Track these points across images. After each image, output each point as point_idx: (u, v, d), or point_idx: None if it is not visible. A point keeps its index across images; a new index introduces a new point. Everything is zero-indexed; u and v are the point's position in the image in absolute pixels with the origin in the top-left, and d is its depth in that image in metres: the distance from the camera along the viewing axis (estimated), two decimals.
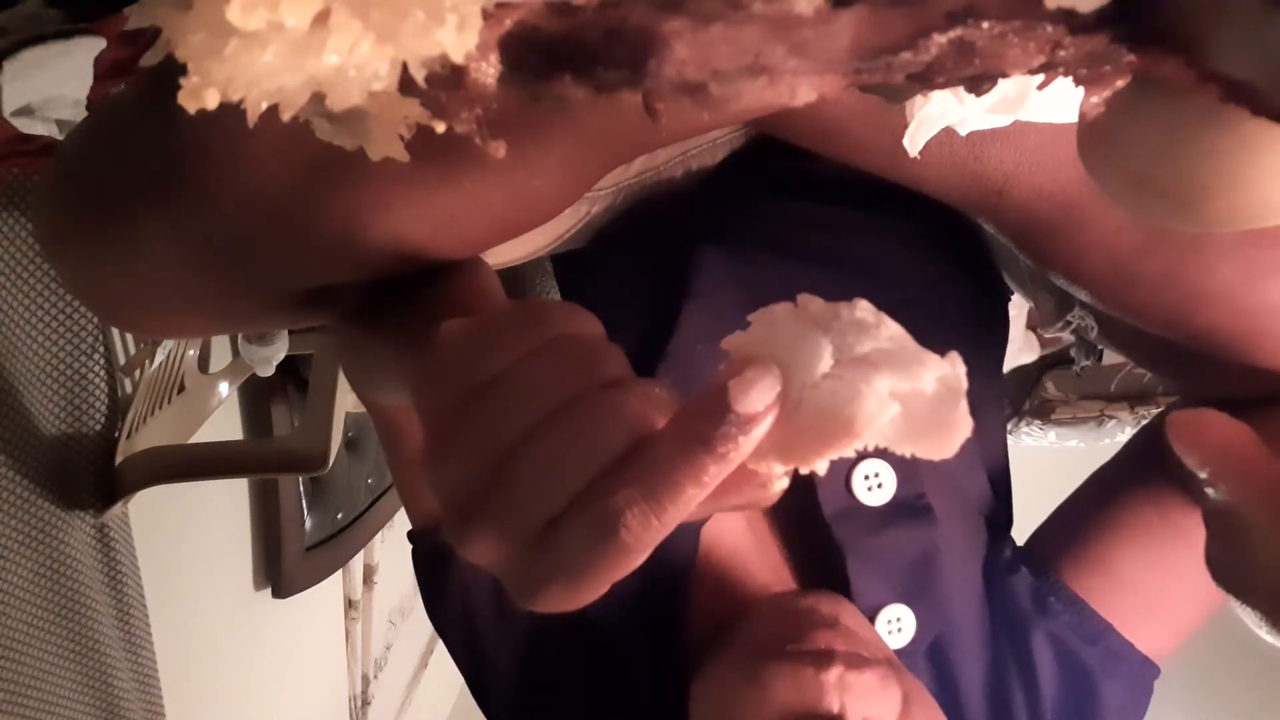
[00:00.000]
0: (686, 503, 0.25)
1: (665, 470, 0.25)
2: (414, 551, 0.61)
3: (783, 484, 0.27)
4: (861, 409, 0.24)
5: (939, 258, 0.67)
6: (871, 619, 0.58)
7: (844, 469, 0.59)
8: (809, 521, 0.59)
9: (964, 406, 0.25)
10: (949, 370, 0.25)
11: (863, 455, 0.59)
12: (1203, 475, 0.38)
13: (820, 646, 0.50)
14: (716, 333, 0.54)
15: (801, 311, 0.27)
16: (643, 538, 0.25)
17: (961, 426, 0.25)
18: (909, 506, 0.60)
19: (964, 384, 0.25)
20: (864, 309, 0.26)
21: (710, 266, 0.61)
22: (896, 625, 0.59)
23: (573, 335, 0.29)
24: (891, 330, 0.26)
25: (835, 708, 0.48)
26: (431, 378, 0.29)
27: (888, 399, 0.25)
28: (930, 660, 0.62)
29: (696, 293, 0.60)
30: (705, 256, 0.62)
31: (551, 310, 0.29)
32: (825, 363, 0.25)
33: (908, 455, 0.25)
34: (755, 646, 0.52)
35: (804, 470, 0.26)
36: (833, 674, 0.49)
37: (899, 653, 0.59)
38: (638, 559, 0.26)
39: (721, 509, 0.26)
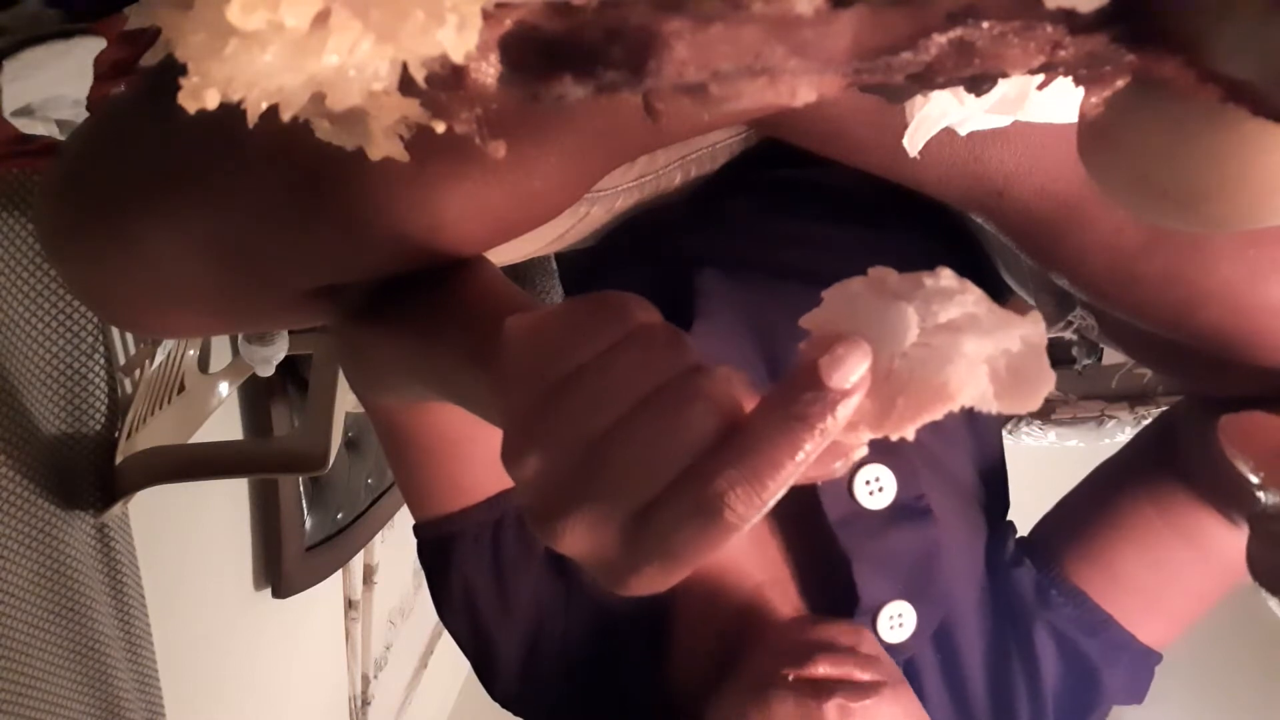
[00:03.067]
0: (786, 479, 0.26)
1: (765, 450, 0.26)
2: (419, 545, 0.61)
3: (862, 452, 0.28)
4: (954, 374, 0.25)
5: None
6: (874, 616, 0.59)
7: (846, 475, 0.60)
8: (810, 524, 0.60)
9: (1046, 361, 0.26)
10: (1032, 328, 0.26)
11: (864, 461, 0.60)
12: (1255, 480, 0.38)
13: (822, 674, 0.52)
14: (720, 354, 0.54)
15: (878, 284, 0.27)
16: (745, 516, 0.26)
17: (1045, 380, 0.25)
18: (909, 508, 0.61)
19: (1045, 340, 0.26)
20: (948, 276, 0.27)
21: (711, 289, 0.63)
22: (898, 620, 0.60)
23: (649, 324, 0.29)
24: (976, 295, 0.26)
25: None
26: (510, 374, 0.30)
27: (978, 362, 0.25)
28: (936, 647, 0.63)
29: (702, 314, 0.61)
30: (705, 279, 0.63)
31: (625, 301, 0.30)
32: (913, 332, 0.26)
33: (994, 412, 0.26)
34: (765, 675, 0.54)
35: (894, 438, 0.27)
36: (833, 704, 0.50)
37: (901, 646, 0.61)
38: (736, 537, 0.26)
39: (799, 481, 0.27)
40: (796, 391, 0.26)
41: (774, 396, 0.26)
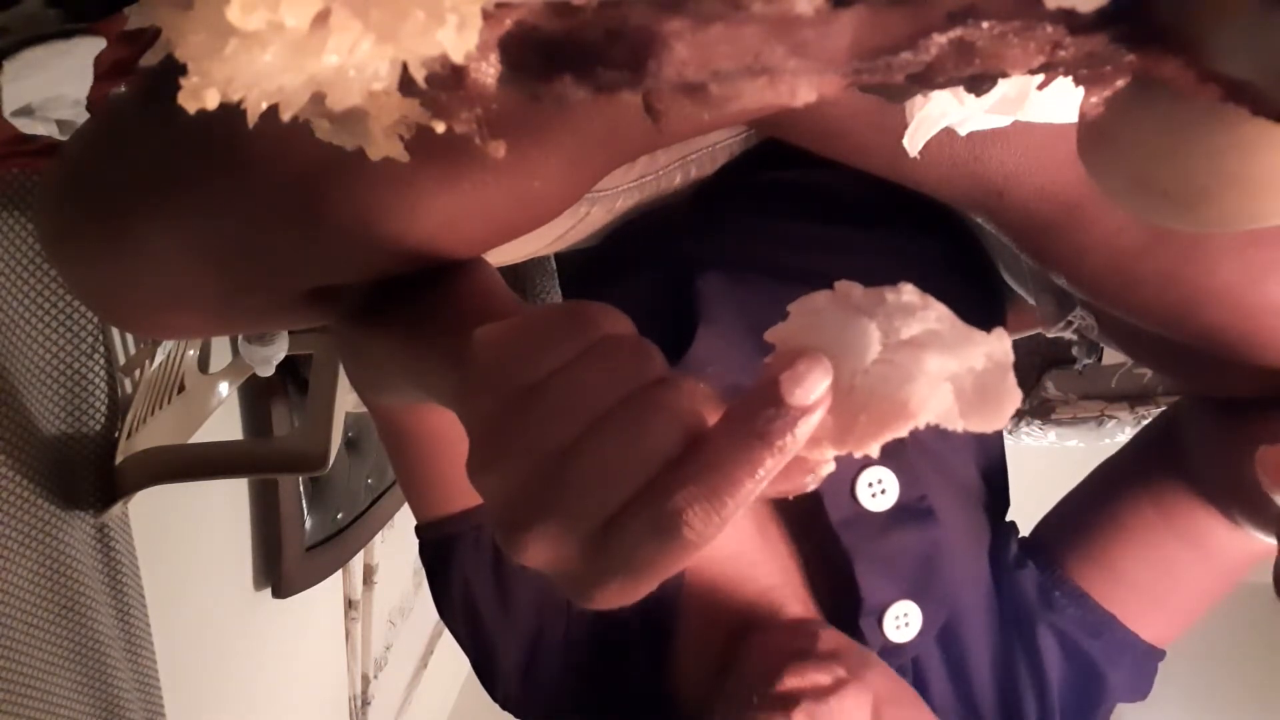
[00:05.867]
0: (745, 497, 0.25)
1: (724, 467, 0.25)
2: (420, 545, 0.61)
3: (829, 468, 0.28)
4: (916, 392, 0.25)
5: (932, 272, 0.68)
6: (880, 617, 0.59)
7: (848, 477, 0.60)
8: (816, 526, 0.60)
9: (1012, 379, 0.25)
10: (996, 345, 0.25)
11: (866, 463, 0.60)
12: None
13: (784, 688, 0.52)
14: (724, 356, 0.54)
15: (842, 299, 0.27)
16: (704, 534, 0.26)
17: (1011, 398, 0.25)
18: (912, 510, 0.61)
19: (1010, 357, 0.25)
20: (909, 292, 0.26)
21: (713, 292, 0.62)
22: (904, 620, 0.60)
23: (616, 336, 0.29)
24: (939, 311, 0.26)
25: None
26: (475, 384, 0.30)
27: (940, 379, 0.25)
28: (941, 648, 0.63)
29: (706, 318, 0.61)
30: (707, 282, 0.63)
31: (593, 312, 0.30)
32: (875, 348, 0.26)
33: (959, 430, 0.26)
34: (738, 698, 0.54)
35: (858, 454, 0.26)
36: (799, 712, 0.50)
37: (907, 645, 0.61)
38: (697, 553, 0.26)
39: (767, 495, 0.27)
40: (757, 407, 0.26)
41: (735, 412, 0.26)
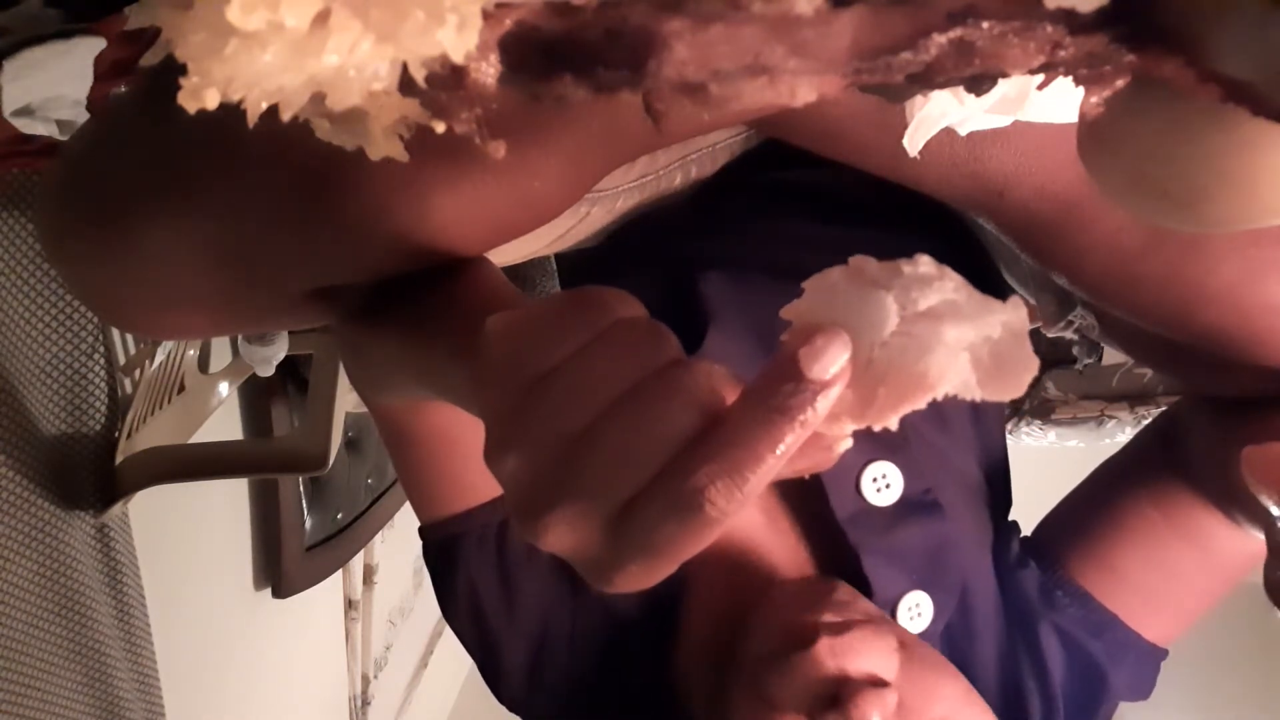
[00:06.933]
0: (767, 473, 0.26)
1: (745, 443, 0.25)
2: (424, 546, 0.61)
3: (847, 444, 0.28)
4: (934, 363, 0.25)
5: None
6: (893, 610, 0.60)
7: (852, 472, 0.60)
8: (823, 521, 0.60)
9: (1029, 347, 0.25)
10: (1013, 314, 0.25)
11: (870, 458, 0.60)
12: (1276, 511, 0.38)
13: (807, 624, 0.52)
14: (730, 355, 0.54)
15: (857, 273, 0.27)
16: (726, 510, 0.26)
17: (1028, 367, 0.25)
18: (917, 503, 0.61)
19: (1027, 325, 0.25)
20: (925, 263, 0.26)
21: (716, 293, 0.62)
22: (916, 611, 0.60)
23: (629, 319, 0.29)
24: (955, 281, 0.26)
25: (833, 670, 0.50)
26: (489, 374, 0.30)
27: (959, 350, 0.25)
28: (947, 644, 0.63)
29: (714, 317, 0.61)
30: (710, 283, 0.63)
31: (605, 296, 0.30)
32: (892, 321, 0.26)
33: (978, 399, 0.25)
34: (754, 660, 0.54)
35: (877, 428, 0.26)
36: (821, 646, 0.50)
37: (921, 636, 0.60)
38: (719, 532, 0.26)
39: (785, 474, 0.27)
40: (776, 383, 0.26)
41: (754, 389, 0.26)
